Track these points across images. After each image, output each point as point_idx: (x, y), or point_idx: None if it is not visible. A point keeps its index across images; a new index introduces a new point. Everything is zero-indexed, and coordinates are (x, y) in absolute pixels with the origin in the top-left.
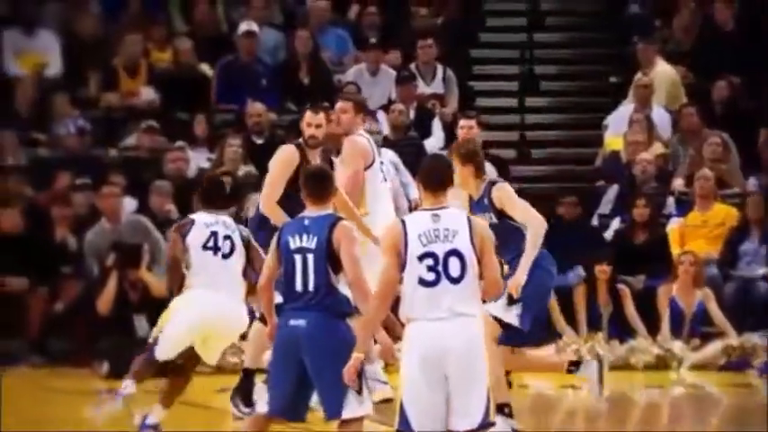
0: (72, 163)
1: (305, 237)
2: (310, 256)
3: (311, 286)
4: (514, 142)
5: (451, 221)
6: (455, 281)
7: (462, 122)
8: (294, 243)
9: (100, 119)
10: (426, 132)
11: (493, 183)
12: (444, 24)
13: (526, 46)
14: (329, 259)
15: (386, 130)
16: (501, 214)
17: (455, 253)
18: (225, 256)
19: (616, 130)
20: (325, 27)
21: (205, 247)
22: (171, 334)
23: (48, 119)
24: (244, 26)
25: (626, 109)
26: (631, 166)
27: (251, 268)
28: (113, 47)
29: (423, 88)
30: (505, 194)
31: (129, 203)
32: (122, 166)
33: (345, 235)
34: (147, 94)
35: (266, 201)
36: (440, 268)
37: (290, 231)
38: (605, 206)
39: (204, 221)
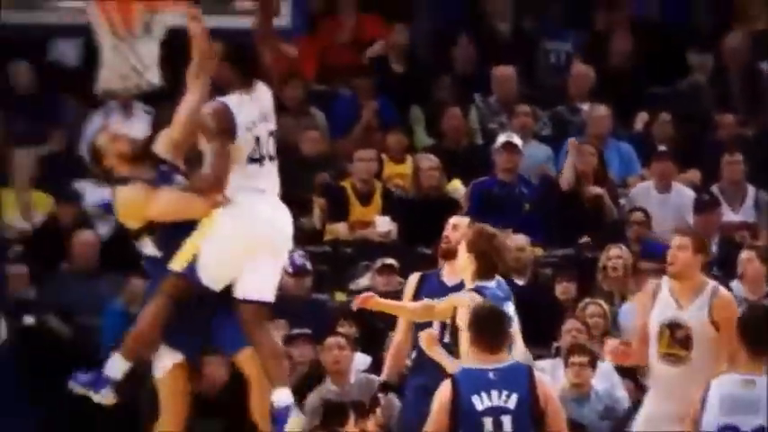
0: (289, 309)
1: (495, 394)
2: (507, 419)
3: None
4: None
5: None
6: None
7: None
8: (481, 403)
9: (325, 255)
10: (734, 272)
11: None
12: (757, 136)
13: None
14: (534, 421)
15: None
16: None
17: None
18: None
19: None
20: (607, 140)
21: None
22: None
23: None
24: (503, 138)
25: None
26: None
27: None
28: (341, 166)
29: (729, 215)
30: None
31: (361, 360)
32: (353, 313)
33: (550, 389)
34: (383, 223)
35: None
36: None
37: (471, 388)
38: None
39: None
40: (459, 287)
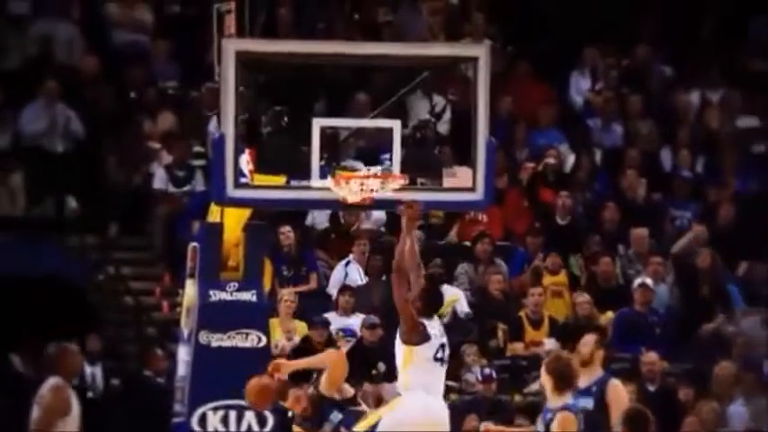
0: (480, 406)
1: None
2: None
3: None
4: None
5: None
6: None
7: None
8: None
9: (506, 367)
10: None
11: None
12: None
13: None
14: None
15: None
16: None
17: None
18: None
19: None
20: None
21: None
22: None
23: (459, 367)
24: (639, 280)
25: None
26: None
27: None
28: (519, 301)
29: None
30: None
31: None
32: (527, 409)
33: None
34: (549, 343)
35: None
36: None
37: None
38: None
39: None
40: (588, 390)
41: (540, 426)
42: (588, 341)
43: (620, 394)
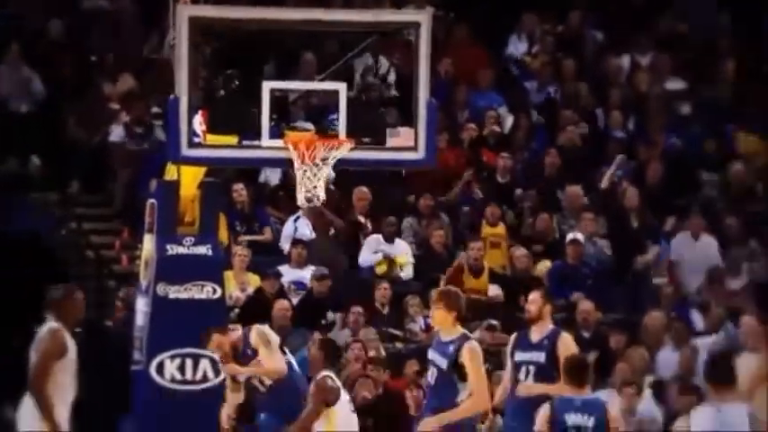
0: (422, 354)
1: (581, 416)
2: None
3: None
4: None
5: None
6: None
7: None
8: (570, 420)
9: None
10: None
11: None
12: None
13: None
14: None
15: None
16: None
17: None
18: None
19: None
20: None
21: None
22: None
23: (402, 317)
24: (571, 235)
25: None
26: None
27: None
28: (459, 249)
29: None
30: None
31: None
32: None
33: (616, 413)
34: (493, 290)
35: None
36: None
37: (564, 409)
38: None
39: None
40: (540, 343)
41: (440, 360)
42: (535, 298)
43: (569, 346)
